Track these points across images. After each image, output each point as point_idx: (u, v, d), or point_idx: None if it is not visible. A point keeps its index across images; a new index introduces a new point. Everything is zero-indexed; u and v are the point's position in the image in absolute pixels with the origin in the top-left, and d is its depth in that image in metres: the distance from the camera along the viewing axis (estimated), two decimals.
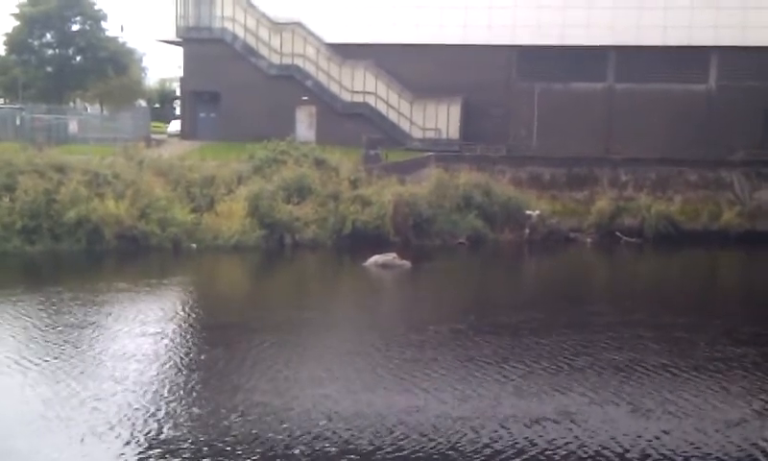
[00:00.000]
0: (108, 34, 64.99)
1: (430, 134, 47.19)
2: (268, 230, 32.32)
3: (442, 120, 47.32)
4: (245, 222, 31.87)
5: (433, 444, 11.89)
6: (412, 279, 27.70)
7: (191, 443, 11.60)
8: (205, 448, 11.44)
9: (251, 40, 49.27)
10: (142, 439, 11.70)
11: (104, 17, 63.92)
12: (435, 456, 11.53)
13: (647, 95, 46.13)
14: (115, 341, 17.00)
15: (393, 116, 47.81)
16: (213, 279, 27.97)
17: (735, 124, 44.36)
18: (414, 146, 45.69)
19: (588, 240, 37.18)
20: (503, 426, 12.61)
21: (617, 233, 37.37)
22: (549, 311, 21.83)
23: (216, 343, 17.19)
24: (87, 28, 62.40)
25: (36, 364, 15.09)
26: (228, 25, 49.37)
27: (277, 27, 49.00)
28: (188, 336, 17.97)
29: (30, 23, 60.46)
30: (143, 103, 74.50)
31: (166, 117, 76.18)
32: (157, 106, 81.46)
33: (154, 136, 53.38)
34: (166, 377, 14.64)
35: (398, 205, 33.93)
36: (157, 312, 20.36)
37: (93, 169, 31.74)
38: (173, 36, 51.29)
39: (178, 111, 68.73)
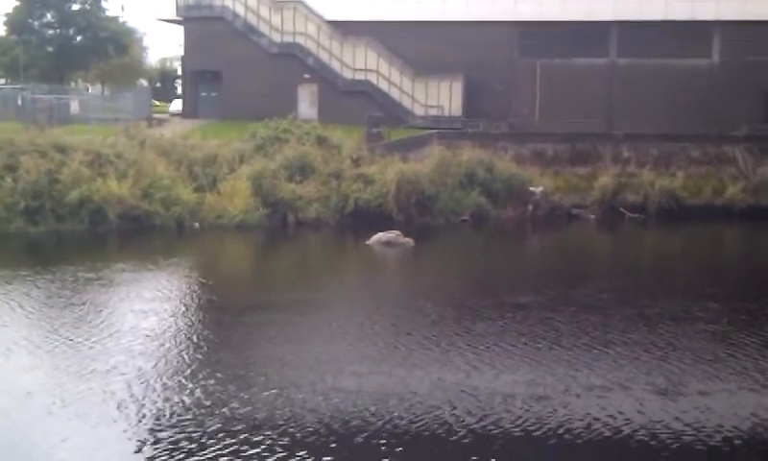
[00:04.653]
0: (108, 13, 64.73)
1: (432, 112, 47.02)
2: (271, 208, 32.33)
3: (444, 97, 47.16)
4: (248, 201, 31.86)
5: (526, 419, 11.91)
6: (416, 257, 27.70)
7: (207, 421, 11.58)
8: (227, 424, 11.46)
9: (251, 19, 49.04)
10: (156, 416, 11.74)
11: None
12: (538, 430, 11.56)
13: (649, 70, 45.91)
14: (125, 320, 17.01)
15: (395, 94, 47.63)
16: (218, 259, 28.01)
17: (738, 99, 44.18)
18: (416, 124, 45.53)
19: (592, 216, 37.13)
20: (638, 403, 12.47)
21: (621, 209, 37.32)
22: (570, 288, 21.45)
23: (227, 322, 17.17)
24: (88, 7, 62.09)
25: (45, 342, 15.13)
26: (229, 3, 49.11)
27: (278, 5, 48.77)
28: (200, 315, 18.00)
29: (30, 3, 60.19)
30: (144, 82, 74.39)
31: (167, 97, 76.04)
32: (159, 85, 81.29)
33: (155, 116, 53.31)
34: (177, 355, 14.65)
35: (401, 182, 33.86)
36: (165, 291, 20.42)
37: (95, 149, 31.71)
38: (173, 15, 51.07)
39: (179, 91, 68.59)
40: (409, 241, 28.31)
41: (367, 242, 28.22)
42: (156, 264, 24.37)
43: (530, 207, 36.82)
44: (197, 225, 31.02)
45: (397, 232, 28.74)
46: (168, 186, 31.12)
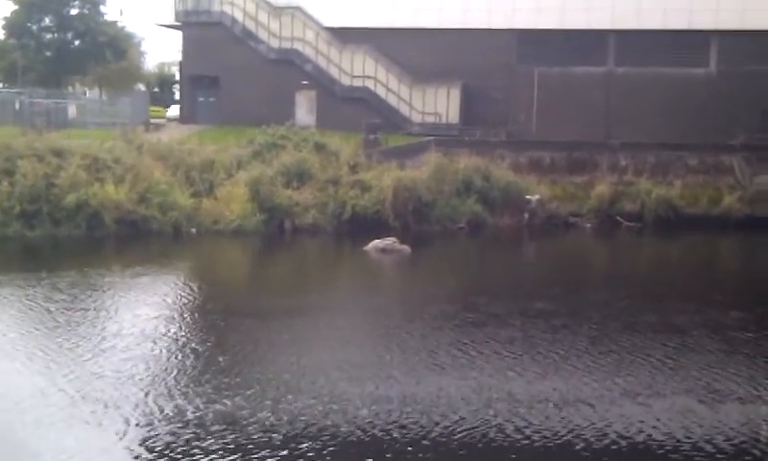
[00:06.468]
0: (106, 18, 64.81)
1: (430, 119, 47.11)
2: (268, 214, 32.28)
3: (441, 105, 47.25)
4: (245, 207, 31.85)
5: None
6: (413, 264, 27.70)
7: (249, 430, 11.49)
8: (269, 432, 11.41)
9: (250, 24, 49.15)
10: (198, 423, 11.68)
11: (102, 1, 63.73)
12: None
13: (647, 79, 46.04)
14: (152, 326, 16.92)
15: (392, 101, 47.73)
16: (216, 264, 27.92)
17: (736, 108, 44.31)
18: (413, 131, 45.63)
19: (588, 225, 37.12)
20: (678, 411, 12.38)
21: (618, 218, 37.33)
22: (582, 295, 21.56)
23: (252, 328, 17.05)
24: (86, 12, 62.16)
25: (79, 348, 15.11)
26: (227, 9, 49.26)
27: (277, 11, 48.88)
28: (225, 321, 17.84)
29: (28, 7, 60.24)
30: (142, 87, 74.51)
31: (165, 102, 76.09)
32: (157, 90, 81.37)
33: (153, 121, 53.33)
34: (212, 362, 14.55)
35: (398, 189, 33.87)
36: (163, 297, 20.33)
37: (93, 153, 31.65)
38: (172, 20, 51.19)
39: (177, 96, 68.66)
40: (405, 248, 28.28)
41: (364, 249, 28.18)
42: (154, 270, 24.23)
43: (526, 216, 36.83)
44: (194, 230, 30.98)
45: (394, 239, 28.69)
46: (165, 191, 31.08)
